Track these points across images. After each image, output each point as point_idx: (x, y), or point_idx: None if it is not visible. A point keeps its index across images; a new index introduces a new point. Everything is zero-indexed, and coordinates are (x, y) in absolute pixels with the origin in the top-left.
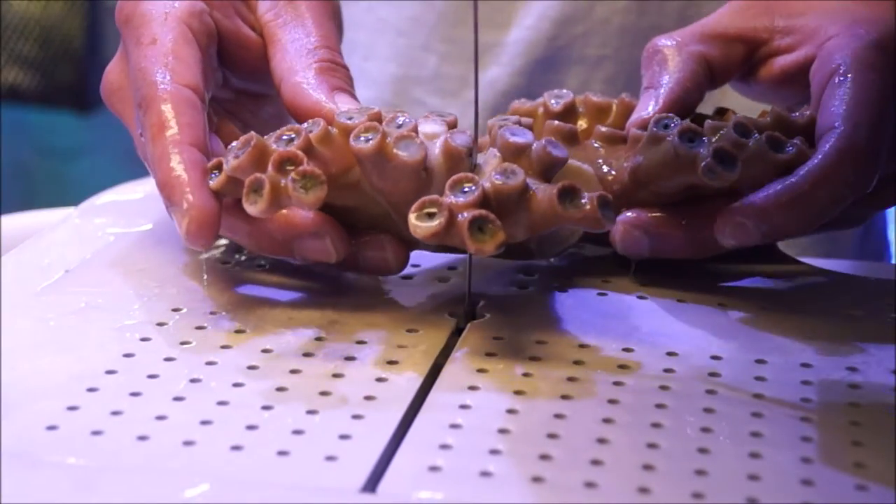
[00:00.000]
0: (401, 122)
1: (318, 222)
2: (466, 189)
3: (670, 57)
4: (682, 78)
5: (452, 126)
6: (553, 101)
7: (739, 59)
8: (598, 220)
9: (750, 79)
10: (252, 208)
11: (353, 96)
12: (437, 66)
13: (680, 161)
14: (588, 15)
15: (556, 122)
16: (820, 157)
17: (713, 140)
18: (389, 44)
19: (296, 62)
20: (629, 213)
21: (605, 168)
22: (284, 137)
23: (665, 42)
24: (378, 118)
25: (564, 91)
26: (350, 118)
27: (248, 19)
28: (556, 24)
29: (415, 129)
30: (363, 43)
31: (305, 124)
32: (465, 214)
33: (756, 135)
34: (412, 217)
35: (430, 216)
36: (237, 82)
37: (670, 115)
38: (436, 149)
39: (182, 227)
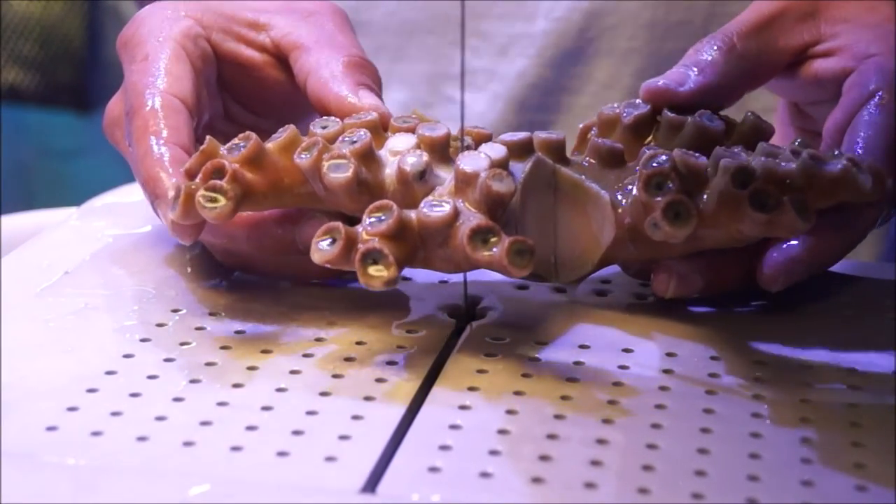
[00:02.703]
0: (355, 139)
1: (314, 211)
2: (374, 218)
3: (717, 47)
4: (724, 69)
5: (435, 143)
6: (625, 112)
7: (785, 61)
8: (505, 267)
9: (784, 72)
10: (171, 214)
11: (378, 94)
12: (467, 61)
13: (645, 210)
14: (618, 7)
15: (600, 140)
16: None
17: (678, 187)
18: (419, 44)
19: (323, 58)
20: (675, 262)
21: (620, 198)
22: (232, 145)
23: (715, 37)
24: (344, 130)
25: (640, 102)
26: (324, 127)
27: (255, 42)
28: (586, 16)
29: (368, 147)
30: (391, 46)
31: (278, 132)
32: (362, 246)
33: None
34: (314, 241)
35: (333, 242)
36: (240, 114)
37: (665, 152)
38: (392, 168)
39: (167, 220)
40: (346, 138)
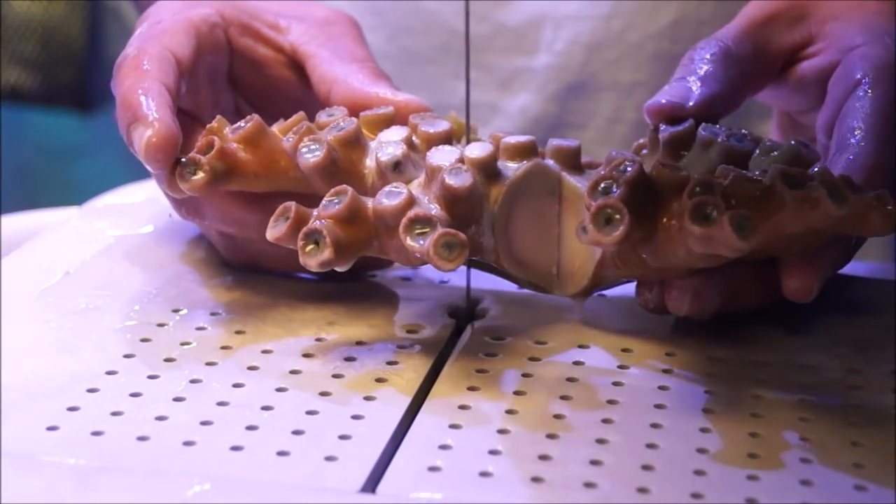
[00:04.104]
0: (343, 126)
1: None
2: (327, 201)
3: (711, 54)
4: (724, 76)
5: (431, 139)
6: (663, 129)
7: (779, 63)
8: (432, 259)
9: (776, 77)
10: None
11: None
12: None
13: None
14: (621, 40)
15: (615, 152)
16: (845, 165)
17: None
18: (419, 73)
19: (346, 69)
20: (690, 278)
21: None
22: (237, 125)
23: (708, 43)
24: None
25: (688, 121)
26: (330, 115)
27: (273, 42)
28: (587, 50)
29: (352, 134)
30: (391, 73)
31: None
32: (306, 226)
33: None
34: (272, 220)
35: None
36: (249, 112)
37: (635, 159)
38: (373, 158)
39: (142, 141)
40: (336, 125)
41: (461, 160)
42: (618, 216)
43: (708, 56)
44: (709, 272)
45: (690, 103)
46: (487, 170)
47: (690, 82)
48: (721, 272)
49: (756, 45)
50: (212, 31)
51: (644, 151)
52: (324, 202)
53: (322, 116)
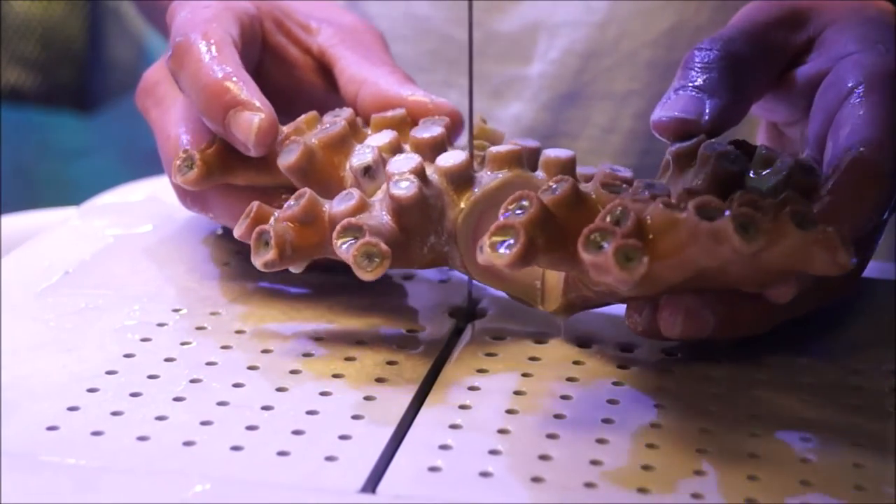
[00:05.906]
0: (327, 125)
1: None
2: (287, 204)
3: (715, 58)
4: (733, 84)
5: (421, 144)
6: (673, 144)
7: (779, 69)
8: (354, 266)
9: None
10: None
11: None
12: (458, 101)
13: None
14: (615, 48)
15: (607, 166)
16: (842, 175)
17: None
18: None
19: (376, 70)
20: (684, 296)
21: None
22: None
23: (711, 45)
24: (353, 125)
25: (702, 136)
26: (336, 115)
27: (303, 42)
28: (581, 58)
29: (337, 137)
30: None
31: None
32: (259, 227)
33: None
34: (241, 218)
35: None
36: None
37: (566, 179)
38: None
39: (252, 126)
40: (324, 126)
41: (416, 170)
42: (511, 238)
43: (711, 61)
44: (703, 291)
45: (702, 119)
46: (458, 179)
47: (697, 93)
48: (716, 293)
49: (758, 48)
50: (251, 24)
51: (671, 170)
52: (286, 204)
53: (328, 117)
